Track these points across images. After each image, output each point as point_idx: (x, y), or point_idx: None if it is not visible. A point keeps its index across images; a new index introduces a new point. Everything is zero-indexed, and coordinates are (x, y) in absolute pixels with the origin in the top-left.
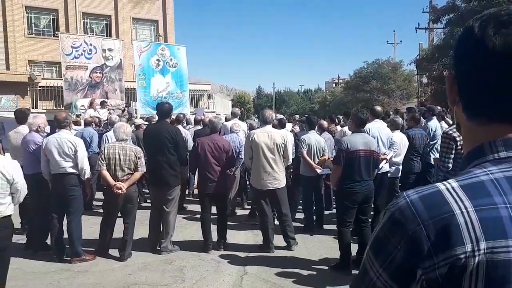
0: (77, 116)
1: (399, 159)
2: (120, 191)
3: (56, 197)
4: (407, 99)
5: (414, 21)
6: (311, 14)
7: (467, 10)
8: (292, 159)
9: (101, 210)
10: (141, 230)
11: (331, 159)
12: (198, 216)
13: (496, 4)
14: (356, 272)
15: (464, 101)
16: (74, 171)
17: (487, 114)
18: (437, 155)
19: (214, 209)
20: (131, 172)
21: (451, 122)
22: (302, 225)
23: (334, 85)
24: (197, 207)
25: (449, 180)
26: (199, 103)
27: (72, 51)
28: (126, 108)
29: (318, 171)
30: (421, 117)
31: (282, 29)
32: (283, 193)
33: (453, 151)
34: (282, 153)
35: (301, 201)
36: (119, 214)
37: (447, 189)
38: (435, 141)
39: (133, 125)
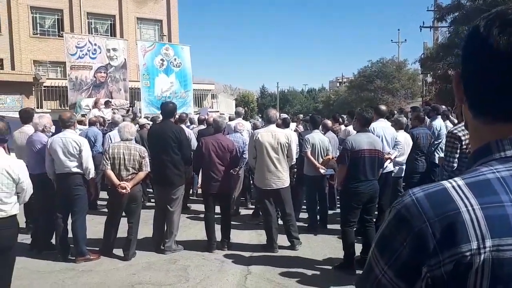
0: (83, 116)
1: (403, 158)
2: (124, 190)
3: (60, 197)
4: (412, 98)
5: (418, 20)
6: (315, 13)
7: (472, 9)
8: (296, 158)
9: (106, 210)
10: (145, 229)
11: (335, 158)
12: (202, 215)
13: (501, 2)
14: (361, 272)
15: (470, 100)
16: (78, 170)
17: (492, 113)
18: (442, 155)
19: (218, 209)
20: (136, 171)
21: (456, 121)
22: (306, 225)
23: (338, 84)
24: (201, 207)
25: (455, 178)
26: (203, 102)
27: (76, 51)
28: (131, 108)
29: (322, 171)
30: (426, 116)
31: (286, 28)
32: (287, 193)
33: (458, 151)
34: (286, 152)
35: (305, 201)
36: (124, 214)
37: (453, 186)
38: (439, 141)
39: (137, 125)
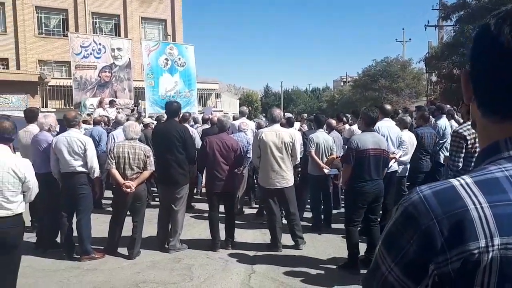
0: (88, 115)
1: (407, 158)
2: (129, 189)
3: (65, 196)
4: (416, 98)
5: (423, 18)
6: (319, 12)
7: (478, 7)
8: (300, 158)
9: (110, 209)
10: (150, 228)
11: (339, 158)
12: (206, 214)
13: (507, 1)
14: (365, 271)
15: (479, 99)
16: (83, 169)
17: (501, 112)
18: (447, 154)
19: (222, 208)
20: (140, 171)
21: (461, 120)
22: (310, 224)
23: (342, 83)
24: (205, 206)
25: (463, 176)
26: (207, 102)
27: (81, 51)
28: (136, 108)
29: (326, 171)
30: (431, 116)
31: (290, 28)
32: (291, 192)
33: (464, 150)
34: (290, 152)
35: (309, 200)
36: (128, 213)
37: (461, 184)
38: (444, 140)
39: (141, 124)
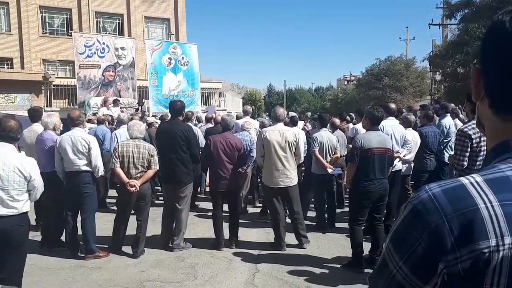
0: (94, 114)
1: (410, 156)
2: (133, 188)
3: (70, 195)
4: (420, 97)
5: (427, 17)
6: (322, 11)
7: (482, 6)
8: (304, 157)
9: (115, 208)
10: (154, 227)
11: (343, 157)
12: (210, 213)
13: None
14: (369, 271)
15: (491, 97)
16: (87, 168)
17: None
18: (451, 153)
19: (225, 207)
20: (145, 169)
21: (466, 119)
22: (314, 223)
23: (345, 82)
24: (208, 205)
25: (473, 175)
26: (211, 101)
27: (85, 50)
28: (140, 107)
29: (330, 170)
30: (435, 115)
31: (293, 27)
32: (295, 191)
33: (468, 149)
34: (294, 151)
35: (312, 199)
36: (132, 212)
37: (471, 183)
38: (448, 139)
39: (145, 123)
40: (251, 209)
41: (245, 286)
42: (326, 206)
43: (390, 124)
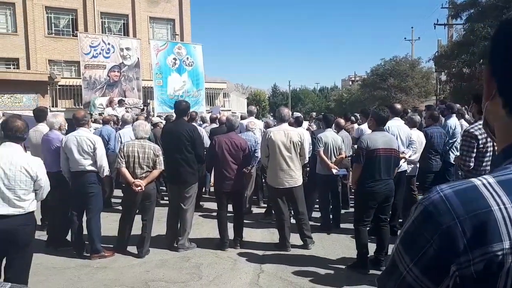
0: (100, 114)
1: (416, 156)
2: (138, 188)
3: (75, 195)
4: (425, 97)
5: (432, 17)
6: (327, 11)
7: (488, 5)
8: (309, 157)
9: (120, 208)
10: (159, 227)
11: (348, 157)
12: (215, 214)
13: None
14: (374, 272)
15: (505, 97)
16: (93, 168)
17: None
18: (457, 154)
19: (230, 207)
20: (150, 170)
21: (472, 120)
22: (319, 224)
23: (350, 82)
24: (213, 205)
25: (485, 176)
26: (215, 101)
27: (90, 51)
28: (146, 107)
29: (334, 171)
30: (440, 115)
31: (297, 27)
32: (299, 192)
33: (475, 150)
34: (298, 151)
35: (317, 200)
36: (138, 211)
37: (483, 184)
38: (454, 139)
39: (150, 123)
40: (255, 210)
41: (250, 286)
42: (331, 206)
43: (396, 124)
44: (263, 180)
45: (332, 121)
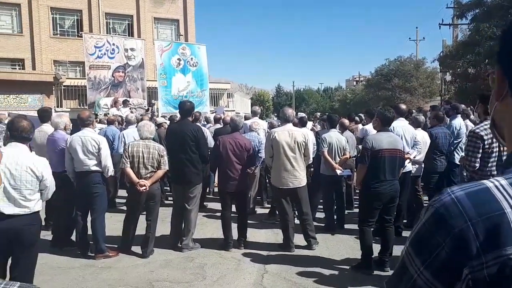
0: (105, 115)
1: (420, 157)
2: (143, 188)
3: (80, 195)
4: (430, 97)
5: (437, 17)
6: (331, 11)
7: (494, 5)
8: (313, 158)
9: (124, 208)
10: (163, 227)
11: (353, 158)
12: (218, 214)
13: None
14: (378, 273)
15: None
16: (97, 169)
17: None
18: (462, 154)
19: (234, 208)
20: (154, 170)
21: (478, 120)
22: (323, 225)
23: (355, 83)
24: (217, 205)
25: (497, 177)
26: (219, 101)
27: (95, 51)
28: (150, 108)
29: (338, 172)
30: (445, 116)
31: (301, 27)
32: (304, 192)
33: (480, 150)
34: (303, 151)
35: (321, 201)
36: (142, 212)
37: (496, 186)
38: (459, 140)
39: (154, 124)
40: (259, 210)
41: (254, 287)
42: (335, 207)
43: (401, 125)
44: (267, 181)
45: (336, 121)
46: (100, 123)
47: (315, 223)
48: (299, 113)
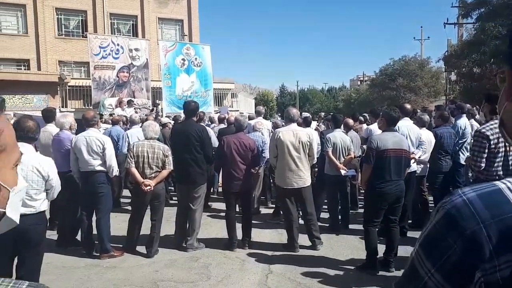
0: (111, 115)
1: (425, 157)
2: (148, 188)
3: (85, 195)
4: (435, 97)
5: (442, 16)
6: (335, 11)
7: (499, 4)
8: (317, 158)
9: (129, 207)
10: (168, 227)
11: (357, 158)
12: (223, 214)
13: None
14: (383, 273)
15: None
16: (102, 168)
17: None
18: (467, 154)
19: (238, 208)
20: (159, 170)
21: (484, 120)
22: (327, 225)
23: (359, 82)
24: (221, 205)
25: (508, 179)
26: (223, 102)
27: (100, 51)
28: (155, 108)
29: (343, 172)
30: (450, 115)
31: (305, 27)
32: (308, 192)
33: (486, 150)
34: (307, 151)
35: (326, 201)
36: (147, 211)
37: (508, 187)
38: (464, 140)
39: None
40: (264, 210)
41: (258, 287)
42: (340, 207)
43: (406, 124)
44: (271, 181)
45: (341, 121)
46: (105, 123)
47: (319, 223)
48: (303, 113)
